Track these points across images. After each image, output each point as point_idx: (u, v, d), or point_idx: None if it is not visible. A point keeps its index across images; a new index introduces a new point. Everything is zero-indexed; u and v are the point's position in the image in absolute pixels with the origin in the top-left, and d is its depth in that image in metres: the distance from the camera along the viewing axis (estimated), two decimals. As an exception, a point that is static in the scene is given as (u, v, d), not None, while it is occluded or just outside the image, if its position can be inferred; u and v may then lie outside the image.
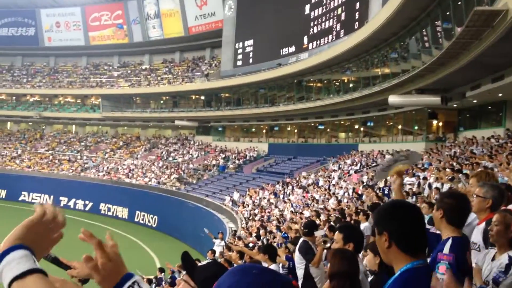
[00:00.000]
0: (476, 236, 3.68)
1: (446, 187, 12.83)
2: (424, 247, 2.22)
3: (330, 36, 32.08)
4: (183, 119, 44.55)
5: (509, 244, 3.27)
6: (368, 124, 32.55)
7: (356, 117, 32.62)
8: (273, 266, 6.77)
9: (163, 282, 14.40)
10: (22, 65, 58.79)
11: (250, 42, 40.81)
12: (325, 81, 33.17)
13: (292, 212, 20.36)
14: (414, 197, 12.83)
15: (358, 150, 29.54)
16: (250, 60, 40.52)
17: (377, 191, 16.99)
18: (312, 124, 37.60)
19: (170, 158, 43.01)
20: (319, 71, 32.29)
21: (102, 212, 37.94)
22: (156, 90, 47.64)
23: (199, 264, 2.09)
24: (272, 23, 37.87)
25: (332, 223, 11.34)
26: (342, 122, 35.37)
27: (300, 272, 6.41)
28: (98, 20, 55.09)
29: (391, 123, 31.01)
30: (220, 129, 45.15)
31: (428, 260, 2.81)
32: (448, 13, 19.05)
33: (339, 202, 18.62)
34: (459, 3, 17.92)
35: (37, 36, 56.83)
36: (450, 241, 2.96)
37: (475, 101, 22.42)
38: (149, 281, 14.35)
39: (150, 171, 40.61)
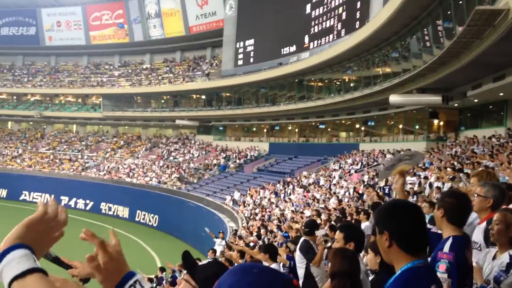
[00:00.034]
0: (477, 236, 3.68)
1: (447, 186, 12.83)
2: (424, 247, 2.22)
3: (331, 36, 32.06)
4: (184, 118, 44.57)
5: (510, 243, 3.27)
6: (369, 123, 32.55)
7: (357, 117, 32.61)
8: (274, 265, 6.77)
9: (164, 281, 14.41)
10: (23, 64, 58.83)
11: (251, 41, 40.80)
12: (326, 81, 33.16)
13: (293, 211, 20.35)
14: (415, 196, 12.83)
15: (359, 150, 29.53)
16: (251, 60, 40.50)
17: (378, 191, 16.98)
18: (313, 124, 37.59)
19: (171, 158, 43.02)
20: (320, 70, 32.27)
21: (103, 211, 37.95)
22: (157, 89, 47.65)
23: (200, 263, 2.09)
24: (273, 23, 37.85)
25: (333, 222, 11.34)
26: (343, 122, 35.36)
27: (301, 271, 6.42)
28: (99, 19, 55.11)
29: (392, 122, 31.00)
30: (221, 128, 45.16)
31: (429, 259, 2.81)
32: (449, 12, 19.02)
33: (340, 201, 18.62)
34: (460, 2, 17.92)
35: (38, 36, 56.86)
36: (450, 240, 2.96)
37: (476, 100, 22.41)
38: (150, 280, 14.35)
39: (151, 171, 40.62)
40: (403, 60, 24.75)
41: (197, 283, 1.99)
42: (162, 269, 16.01)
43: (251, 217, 23.68)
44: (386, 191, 17.04)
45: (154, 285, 14.50)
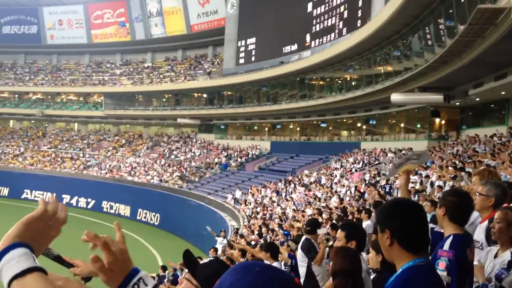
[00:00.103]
0: (479, 234, 3.68)
1: (448, 185, 12.82)
2: (426, 245, 2.23)
3: (332, 34, 32.02)
4: (186, 117, 44.57)
5: (511, 241, 3.27)
6: (371, 122, 32.51)
7: (359, 115, 32.59)
8: (275, 264, 6.77)
9: (165, 280, 14.41)
10: (24, 63, 58.88)
11: (253, 40, 40.76)
12: (328, 79, 33.13)
13: (294, 210, 20.38)
14: (417, 195, 12.82)
15: (361, 148, 29.51)
16: (253, 58, 40.47)
17: (379, 189, 16.98)
18: (315, 122, 37.56)
19: (173, 156, 43.04)
20: (321, 69, 32.25)
21: (105, 210, 37.99)
22: (159, 88, 47.64)
23: (201, 262, 2.09)
24: (274, 21, 37.81)
25: (334, 221, 11.35)
26: (345, 120, 35.34)
27: (302, 270, 6.41)
28: (101, 18, 55.14)
29: (394, 121, 30.97)
30: (222, 127, 45.17)
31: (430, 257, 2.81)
32: (451, 11, 18.98)
33: (341, 200, 18.62)
34: (462, 1, 17.86)
35: (40, 34, 56.90)
36: (450, 238, 2.97)
37: (477, 99, 22.38)
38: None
39: (153, 169, 40.65)
40: (404, 59, 24.72)
41: (199, 282, 1.99)
42: (164, 268, 16.02)
43: (253, 215, 23.70)
44: (387, 190, 17.06)
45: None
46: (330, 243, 5.78)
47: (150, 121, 49.31)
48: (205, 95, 44.93)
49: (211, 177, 37.14)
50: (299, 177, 28.32)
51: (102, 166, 43.96)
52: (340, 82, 32.09)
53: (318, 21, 33.77)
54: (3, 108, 52.84)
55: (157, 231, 32.28)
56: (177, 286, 11.17)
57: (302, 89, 35.36)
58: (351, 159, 27.26)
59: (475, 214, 3.77)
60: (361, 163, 25.85)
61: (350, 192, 20.26)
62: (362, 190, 18.97)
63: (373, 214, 9.89)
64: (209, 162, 39.47)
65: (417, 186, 15.37)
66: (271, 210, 23.33)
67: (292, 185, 26.79)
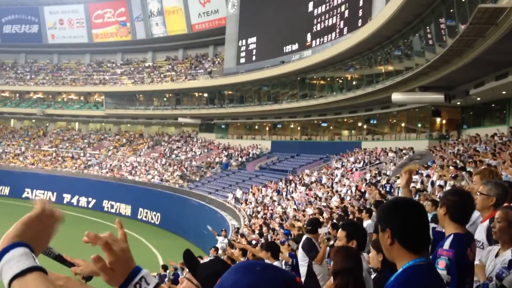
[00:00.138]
0: (480, 234, 3.68)
1: (449, 184, 12.82)
2: (427, 245, 2.22)
3: (333, 34, 31.99)
4: (186, 116, 44.56)
5: (512, 241, 3.27)
6: (371, 121, 32.50)
7: (359, 115, 32.58)
8: (276, 263, 6.77)
9: (166, 279, 14.42)
10: (25, 62, 58.91)
11: (253, 39, 40.75)
12: (328, 79, 33.13)
13: (295, 209, 20.37)
14: (417, 194, 12.82)
15: (361, 148, 29.51)
16: (253, 58, 40.46)
17: (380, 189, 16.98)
18: (315, 122, 37.55)
19: (173, 156, 43.05)
20: (322, 68, 32.25)
21: (105, 209, 38.00)
22: (159, 87, 47.64)
23: (202, 261, 2.09)
24: (275, 21, 37.80)
25: (335, 220, 11.34)
26: (345, 120, 35.33)
27: (303, 270, 6.41)
28: (101, 17, 55.16)
29: (394, 120, 30.96)
30: (223, 126, 45.18)
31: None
32: (452, 10, 18.97)
33: (342, 199, 18.62)
34: (463, 0, 17.86)
35: (41, 33, 56.92)
36: (451, 237, 2.97)
37: (478, 98, 22.36)
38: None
39: (153, 169, 40.66)
40: (405, 58, 24.71)
41: (199, 281, 1.99)
42: (165, 267, 16.03)
43: (253, 215, 23.70)
44: (388, 189, 17.05)
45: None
46: (331, 242, 5.78)
47: (151, 121, 49.33)
48: (206, 95, 44.94)
49: (211, 176, 37.14)
50: (300, 176, 28.33)
51: (103, 165, 43.98)
52: (341, 81, 32.09)
53: (319, 20, 33.75)
54: (4, 107, 52.89)
55: (157, 231, 32.28)
56: (178, 286, 11.18)
57: (303, 88, 35.35)
58: (352, 159, 27.25)
59: (476, 214, 3.77)
60: (361, 162, 25.84)
61: (351, 192, 20.26)
62: (362, 190, 18.97)
63: (373, 213, 9.89)
64: (209, 162, 39.48)
65: (418, 186, 15.37)
66: (271, 210, 23.34)
67: (293, 185, 26.79)
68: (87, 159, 46.06)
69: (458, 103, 23.62)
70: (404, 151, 24.23)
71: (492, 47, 14.86)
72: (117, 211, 37.21)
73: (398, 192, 15.70)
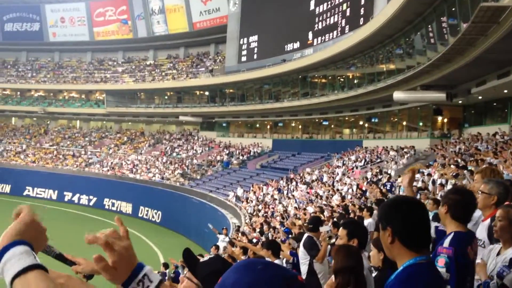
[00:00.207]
0: (481, 233, 3.68)
1: (450, 183, 12.81)
2: (427, 243, 2.23)
3: (335, 32, 31.96)
4: (187, 114, 44.55)
5: (513, 240, 3.26)
6: (373, 120, 32.47)
7: (361, 113, 32.55)
8: (276, 262, 6.77)
9: (166, 277, 14.43)
10: (26, 60, 58.92)
11: (255, 37, 40.73)
12: (330, 77, 33.09)
13: (296, 208, 20.37)
14: (418, 193, 12.82)
15: (363, 146, 29.51)
16: (255, 56, 40.45)
17: (381, 187, 16.97)
18: (317, 120, 37.55)
19: (174, 154, 43.06)
20: (323, 67, 32.21)
21: (106, 207, 38.04)
22: (161, 85, 47.63)
23: (202, 259, 2.08)
24: (276, 19, 37.76)
25: (335, 219, 11.34)
26: (347, 118, 35.30)
27: (304, 268, 6.42)
28: (103, 15, 55.14)
29: (396, 119, 30.92)
30: (224, 124, 45.17)
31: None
32: (454, 8, 18.95)
33: (343, 198, 18.62)
34: (465, -2, 17.84)
35: (42, 32, 56.92)
36: (451, 235, 2.97)
37: (480, 97, 22.34)
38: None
39: (154, 167, 40.68)
40: (407, 57, 24.69)
41: (199, 279, 1.98)
42: (166, 265, 16.03)
43: (254, 213, 23.69)
44: (389, 188, 17.05)
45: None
46: (332, 240, 5.78)
47: (152, 119, 49.35)
48: (207, 93, 44.92)
49: (212, 174, 37.16)
50: (301, 175, 28.33)
51: (104, 163, 44.02)
52: (342, 80, 32.06)
53: (320, 19, 33.70)
54: (5, 105, 52.92)
55: (158, 229, 32.32)
56: (179, 285, 11.19)
57: (304, 87, 35.33)
58: (353, 157, 27.24)
59: (477, 213, 3.76)
60: (363, 161, 25.82)
61: (352, 190, 20.26)
62: (364, 188, 18.98)
63: (374, 212, 9.89)
64: (210, 160, 39.48)
65: (419, 184, 15.36)
66: (272, 208, 23.35)
67: (294, 183, 26.79)
68: (88, 157, 46.09)
69: (460, 101, 23.59)
70: (405, 150, 24.22)
71: (494, 45, 14.84)
72: (118, 209, 37.24)
73: (399, 191, 15.69)
